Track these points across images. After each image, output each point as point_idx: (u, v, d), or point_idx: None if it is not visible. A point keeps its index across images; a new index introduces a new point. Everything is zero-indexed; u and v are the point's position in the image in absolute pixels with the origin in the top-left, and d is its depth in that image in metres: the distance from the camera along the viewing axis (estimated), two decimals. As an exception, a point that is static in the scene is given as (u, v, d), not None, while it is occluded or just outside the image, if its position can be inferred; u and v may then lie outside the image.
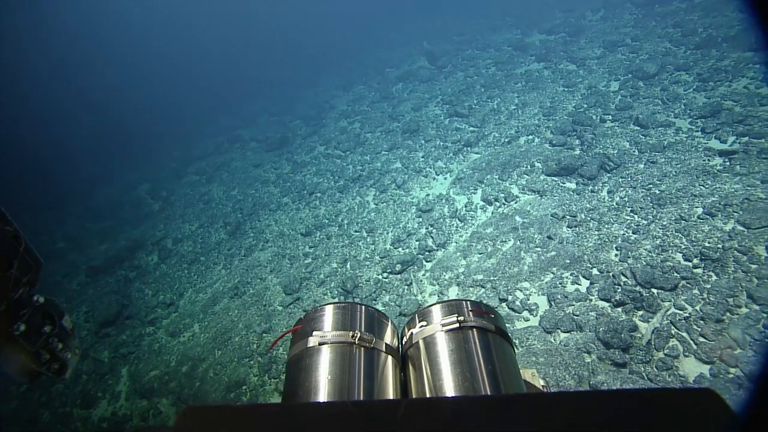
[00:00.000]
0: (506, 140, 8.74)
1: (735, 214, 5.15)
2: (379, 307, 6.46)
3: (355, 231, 8.19)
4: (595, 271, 5.23)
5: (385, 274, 6.90)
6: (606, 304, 4.80)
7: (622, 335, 4.26)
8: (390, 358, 1.23)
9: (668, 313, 4.46)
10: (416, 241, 7.25)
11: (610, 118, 8.25)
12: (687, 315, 4.36)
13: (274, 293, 7.54)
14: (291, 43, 24.32)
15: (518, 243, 6.12)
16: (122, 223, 12.85)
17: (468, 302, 1.29)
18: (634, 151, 7.09)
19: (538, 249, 5.85)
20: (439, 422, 0.68)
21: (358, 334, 1.21)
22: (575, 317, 4.75)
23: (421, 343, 1.23)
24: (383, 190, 8.98)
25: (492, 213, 7.10)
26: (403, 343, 1.31)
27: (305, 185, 10.69)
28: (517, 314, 5.21)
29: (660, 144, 7.01)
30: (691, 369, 3.97)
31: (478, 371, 1.09)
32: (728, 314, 4.19)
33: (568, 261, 5.44)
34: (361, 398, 1.08)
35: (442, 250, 6.88)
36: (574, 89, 9.73)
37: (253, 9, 29.86)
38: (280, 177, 11.78)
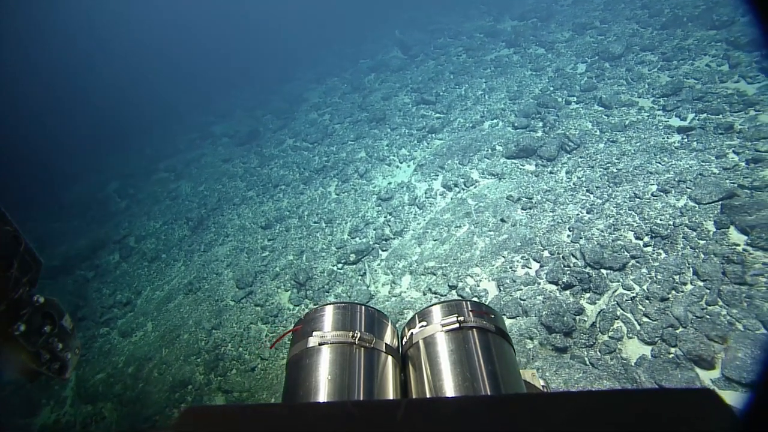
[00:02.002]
0: (470, 125, 8.50)
1: (688, 189, 4.95)
2: (331, 298, 6.20)
3: (314, 222, 7.92)
4: (546, 254, 5.00)
5: (339, 265, 6.64)
6: (554, 287, 4.57)
7: (565, 318, 4.03)
8: (390, 358, 1.23)
9: (616, 293, 4.24)
10: (374, 230, 6.99)
11: (575, 99, 8.04)
12: (633, 295, 4.14)
13: (228, 288, 7.25)
14: (269, 38, 23.89)
15: (472, 228, 5.88)
16: (88, 222, 12.47)
17: (468, 302, 1.28)
18: (595, 131, 6.88)
19: (491, 233, 5.62)
20: (439, 422, 0.67)
21: (358, 334, 1.20)
22: (522, 302, 4.51)
23: (421, 343, 1.22)
24: (345, 179, 8.71)
25: (451, 199, 6.85)
26: (403, 343, 1.30)
27: (271, 178, 10.39)
28: (465, 301, 4.96)
29: (621, 123, 6.80)
30: (634, 351, 3.75)
31: (478, 371, 1.08)
32: (673, 292, 3.97)
33: (519, 244, 5.21)
34: (361, 398, 1.08)
35: (399, 238, 6.63)
36: (542, 73, 9.51)
37: (230, 5, 29.34)
38: (248, 171, 11.46)
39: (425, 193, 7.25)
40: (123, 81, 24.69)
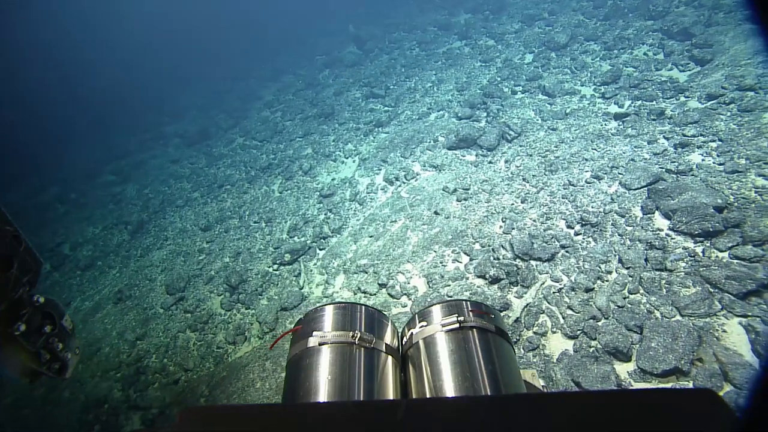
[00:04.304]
0: (416, 117, 8.26)
1: (620, 175, 4.83)
2: (264, 301, 5.83)
3: (255, 222, 7.51)
4: (477, 246, 4.77)
5: (275, 266, 6.26)
6: (482, 282, 4.34)
7: (488, 313, 3.80)
8: (390, 358, 1.21)
9: (544, 286, 4.04)
10: (312, 228, 6.64)
11: (521, 89, 7.92)
12: (561, 287, 3.95)
13: (158, 294, 6.76)
14: (225, 37, 23.12)
15: (407, 222, 5.62)
16: (21, 230, 11.57)
17: (468, 302, 1.27)
18: (537, 120, 6.75)
19: (425, 226, 5.36)
20: (439, 422, 0.67)
21: (359, 335, 1.19)
22: (448, 299, 4.26)
23: (421, 343, 1.21)
24: (290, 177, 8.32)
25: (392, 193, 6.58)
26: (403, 343, 1.29)
27: (217, 178, 9.91)
28: (395, 300, 4.69)
29: (563, 111, 6.70)
30: (557, 346, 3.55)
31: (478, 371, 1.08)
32: (599, 282, 3.80)
33: (451, 237, 4.97)
34: (362, 398, 1.07)
35: (337, 236, 6.30)
36: (491, 63, 9.38)
37: (187, 3, 28.28)
38: (194, 172, 10.91)
39: (367, 188, 6.96)
40: (73, 78, 23.42)
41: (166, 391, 5.23)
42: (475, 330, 1.18)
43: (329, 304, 1.31)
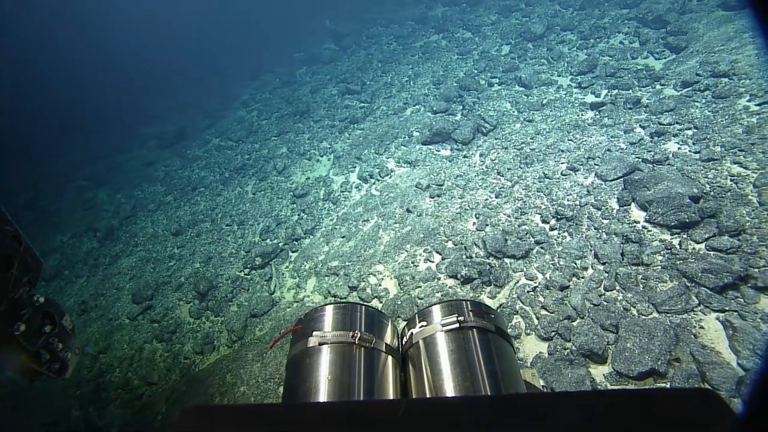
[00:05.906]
0: (392, 113, 8.03)
1: (596, 167, 4.66)
2: (234, 308, 5.57)
3: (227, 225, 7.22)
4: (449, 245, 4.57)
5: (246, 270, 6.00)
6: (454, 282, 4.14)
7: (459, 315, 3.60)
8: (390, 358, 1.21)
9: (517, 285, 3.85)
10: (285, 229, 6.38)
11: (497, 81, 7.74)
12: (535, 285, 3.77)
13: (125, 304, 6.45)
14: (204, 37, 22.58)
15: (379, 221, 5.40)
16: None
17: (468, 302, 1.27)
18: (513, 112, 6.57)
19: (396, 225, 5.14)
20: (439, 422, 0.67)
21: (358, 334, 1.19)
22: (418, 301, 4.06)
23: (421, 343, 1.21)
24: (264, 177, 8.04)
25: (366, 191, 6.35)
26: (403, 343, 1.28)
27: (191, 180, 9.57)
28: (365, 303, 4.46)
29: (539, 102, 6.54)
30: (531, 348, 3.36)
31: (478, 371, 1.07)
32: (574, 279, 3.62)
33: (422, 235, 4.75)
34: (361, 398, 1.07)
35: (310, 237, 6.06)
36: (468, 56, 9.19)
37: (169, 4, 27.58)
38: (169, 174, 10.55)
39: (341, 186, 6.72)
40: (49, 80, 22.69)
41: (129, 408, 4.94)
42: (475, 330, 1.17)
43: (329, 304, 1.31)
